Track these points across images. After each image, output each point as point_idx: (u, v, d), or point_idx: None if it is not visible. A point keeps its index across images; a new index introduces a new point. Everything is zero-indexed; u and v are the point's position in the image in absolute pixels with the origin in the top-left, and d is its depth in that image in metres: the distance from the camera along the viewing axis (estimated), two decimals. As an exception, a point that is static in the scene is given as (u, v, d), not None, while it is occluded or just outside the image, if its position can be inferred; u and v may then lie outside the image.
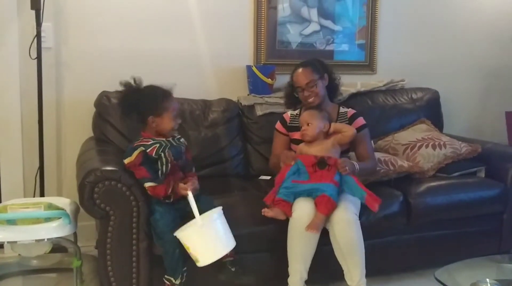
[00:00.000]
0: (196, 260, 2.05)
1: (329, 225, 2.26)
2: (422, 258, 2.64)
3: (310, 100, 2.55)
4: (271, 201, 2.32)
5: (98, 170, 2.09)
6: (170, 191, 2.16)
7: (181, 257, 2.12)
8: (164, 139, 2.23)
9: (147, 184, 2.15)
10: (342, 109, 2.69)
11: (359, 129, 2.57)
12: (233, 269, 2.18)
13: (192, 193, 2.12)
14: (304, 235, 2.21)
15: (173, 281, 2.14)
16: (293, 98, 2.67)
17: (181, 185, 2.18)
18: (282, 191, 2.31)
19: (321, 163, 2.36)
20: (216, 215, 2.07)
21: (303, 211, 2.24)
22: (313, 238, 2.23)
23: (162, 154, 2.18)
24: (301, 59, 3.06)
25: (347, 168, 2.33)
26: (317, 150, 2.43)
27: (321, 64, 2.65)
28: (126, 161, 2.16)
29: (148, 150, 2.17)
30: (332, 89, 2.70)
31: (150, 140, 2.22)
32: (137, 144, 2.20)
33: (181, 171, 2.27)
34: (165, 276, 2.15)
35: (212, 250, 2.05)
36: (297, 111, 2.70)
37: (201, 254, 2.03)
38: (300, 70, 2.59)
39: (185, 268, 2.15)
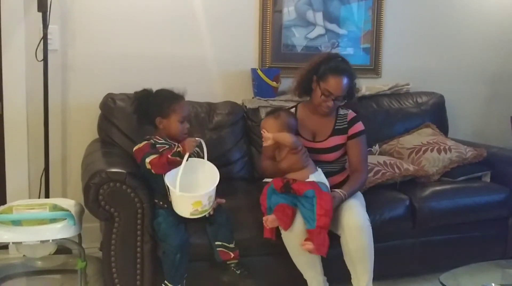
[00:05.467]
0: (209, 208, 2.15)
1: (340, 230, 2.24)
2: (427, 263, 2.63)
3: (327, 110, 2.41)
4: (271, 233, 2.23)
5: (104, 171, 2.10)
6: (175, 151, 2.12)
7: (181, 263, 2.10)
8: (176, 143, 2.23)
9: (149, 158, 2.13)
10: (341, 111, 2.51)
11: (355, 135, 2.45)
12: (238, 272, 2.19)
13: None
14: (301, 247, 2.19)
15: None
16: (307, 86, 2.47)
17: (189, 138, 2.17)
18: (274, 199, 2.24)
19: (286, 187, 2.23)
20: None
21: (293, 225, 2.20)
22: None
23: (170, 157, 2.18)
24: (306, 62, 3.07)
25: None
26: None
27: (352, 79, 2.44)
28: (135, 148, 2.22)
29: (157, 145, 2.21)
30: (350, 94, 2.48)
31: (162, 140, 2.26)
32: (148, 137, 2.26)
33: None
34: (164, 282, 2.13)
35: None
36: (292, 111, 2.54)
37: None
38: (344, 80, 2.36)
39: (186, 275, 2.14)
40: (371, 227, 2.24)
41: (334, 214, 2.23)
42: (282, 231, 2.22)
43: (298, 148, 2.27)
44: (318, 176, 2.29)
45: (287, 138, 2.25)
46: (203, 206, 2.09)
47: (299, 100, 2.62)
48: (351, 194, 2.33)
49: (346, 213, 2.25)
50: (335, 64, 2.41)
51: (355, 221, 2.22)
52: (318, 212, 2.15)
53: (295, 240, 2.20)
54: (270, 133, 2.25)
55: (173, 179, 2.08)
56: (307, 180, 2.24)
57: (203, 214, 2.13)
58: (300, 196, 2.22)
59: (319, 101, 2.40)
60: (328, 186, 2.29)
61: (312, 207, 2.17)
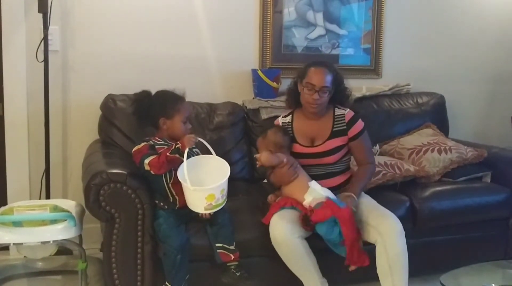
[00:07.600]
0: (223, 202, 2.15)
1: (377, 236, 2.20)
2: (427, 263, 2.63)
3: (314, 106, 2.37)
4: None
5: (104, 172, 2.10)
6: (173, 148, 2.12)
7: (182, 264, 2.10)
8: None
9: (148, 159, 2.12)
10: (337, 111, 2.45)
11: (357, 136, 2.42)
12: (237, 274, 2.18)
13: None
14: (294, 253, 2.18)
15: None
16: (296, 96, 2.48)
17: (187, 135, 2.17)
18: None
19: (305, 220, 2.23)
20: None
21: (283, 231, 2.17)
22: (305, 250, 2.18)
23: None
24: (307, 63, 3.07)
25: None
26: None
27: (337, 77, 2.43)
28: (133, 149, 2.22)
29: (156, 147, 2.21)
30: (342, 97, 2.50)
31: (162, 141, 2.25)
32: (147, 139, 2.26)
33: None
34: (165, 283, 2.13)
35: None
36: (288, 119, 2.51)
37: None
38: (323, 70, 2.37)
39: (188, 277, 2.14)
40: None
41: (365, 223, 2.27)
42: (273, 241, 2.20)
43: (280, 165, 2.33)
44: (315, 184, 2.29)
45: (265, 158, 2.32)
46: (217, 200, 2.09)
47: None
48: (361, 189, 2.38)
49: (380, 220, 2.24)
50: (314, 60, 2.52)
51: (394, 225, 2.21)
52: (345, 235, 2.14)
53: (285, 249, 2.18)
54: (259, 154, 2.36)
55: (183, 176, 2.09)
56: (308, 188, 2.25)
57: (217, 209, 2.12)
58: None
59: (306, 98, 2.38)
60: (333, 194, 2.27)
61: (330, 229, 2.17)
